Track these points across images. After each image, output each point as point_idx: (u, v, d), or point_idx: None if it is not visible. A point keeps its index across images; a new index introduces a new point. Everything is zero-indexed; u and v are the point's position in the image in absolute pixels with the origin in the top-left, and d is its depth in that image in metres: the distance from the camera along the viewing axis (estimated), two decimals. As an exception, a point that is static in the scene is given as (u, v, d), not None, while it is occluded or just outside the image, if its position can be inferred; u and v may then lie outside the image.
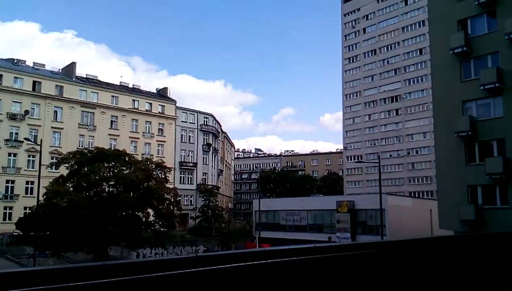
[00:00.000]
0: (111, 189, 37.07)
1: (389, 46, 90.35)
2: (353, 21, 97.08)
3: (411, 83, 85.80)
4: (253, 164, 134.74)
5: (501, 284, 10.67)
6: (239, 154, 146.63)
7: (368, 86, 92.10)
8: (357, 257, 7.26)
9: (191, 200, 71.98)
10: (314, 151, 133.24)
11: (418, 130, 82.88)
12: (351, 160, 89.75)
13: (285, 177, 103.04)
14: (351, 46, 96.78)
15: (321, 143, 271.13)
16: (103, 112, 65.12)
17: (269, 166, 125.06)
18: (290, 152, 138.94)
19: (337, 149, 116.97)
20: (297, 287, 5.97)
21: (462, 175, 27.92)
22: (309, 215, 51.53)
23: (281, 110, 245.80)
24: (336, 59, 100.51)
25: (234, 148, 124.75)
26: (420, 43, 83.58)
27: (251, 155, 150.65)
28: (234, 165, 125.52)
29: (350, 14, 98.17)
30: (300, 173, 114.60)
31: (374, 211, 42.44)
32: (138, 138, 68.48)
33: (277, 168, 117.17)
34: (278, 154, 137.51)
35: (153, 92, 77.80)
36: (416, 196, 75.71)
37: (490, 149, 27.39)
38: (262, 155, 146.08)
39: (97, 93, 65.57)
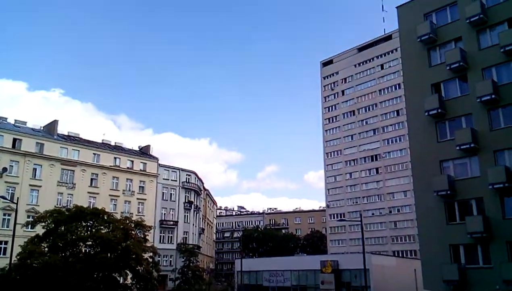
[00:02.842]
0: (87, 249, 35.89)
1: (367, 108, 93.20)
2: (332, 84, 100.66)
3: (390, 143, 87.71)
4: (235, 222, 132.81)
5: None
6: (222, 212, 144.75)
7: (348, 145, 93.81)
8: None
9: (170, 260, 69.74)
10: (297, 208, 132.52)
11: (398, 189, 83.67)
12: (334, 217, 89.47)
13: (268, 235, 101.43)
14: (330, 107, 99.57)
15: (305, 201, 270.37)
16: (83, 169, 64.28)
17: (252, 223, 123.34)
18: (273, 210, 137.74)
19: (321, 207, 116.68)
20: None
21: (444, 234, 28.02)
22: (292, 276, 50.37)
23: (266, 167, 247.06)
24: (318, 118, 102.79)
25: (217, 205, 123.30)
26: (397, 104, 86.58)
27: (234, 213, 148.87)
28: (216, 223, 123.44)
29: (329, 77, 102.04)
30: (283, 231, 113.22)
31: (358, 271, 41.72)
32: (118, 196, 67.26)
33: (260, 226, 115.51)
34: (261, 211, 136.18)
35: (135, 150, 77.53)
36: (400, 255, 75.10)
37: (469, 207, 27.73)
38: (245, 213, 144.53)
39: (78, 151, 64.97)
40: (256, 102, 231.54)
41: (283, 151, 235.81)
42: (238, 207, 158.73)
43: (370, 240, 79.07)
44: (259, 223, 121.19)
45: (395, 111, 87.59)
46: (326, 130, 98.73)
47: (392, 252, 76.11)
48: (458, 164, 28.78)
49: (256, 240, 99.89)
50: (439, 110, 29.15)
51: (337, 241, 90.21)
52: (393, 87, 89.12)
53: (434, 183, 28.49)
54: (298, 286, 49.61)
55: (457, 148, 27.82)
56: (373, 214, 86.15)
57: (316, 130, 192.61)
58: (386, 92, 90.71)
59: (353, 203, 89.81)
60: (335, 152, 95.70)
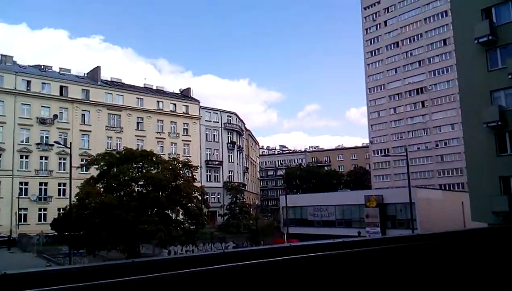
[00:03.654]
0: (140, 189, 37.78)
1: (411, 38, 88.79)
2: (374, 14, 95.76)
3: (436, 75, 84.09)
4: (278, 161, 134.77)
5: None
6: (264, 151, 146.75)
7: (391, 79, 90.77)
8: (386, 251, 7.22)
9: (218, 198, 72.62)
10: (339, 145, 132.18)
11: (445, 122, 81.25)
12: (377, 154, 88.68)
13: (310, 172, 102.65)
14: (372, 40, 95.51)
15: (347, 138, 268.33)
16: (129, 114, 66.34)
17: (294, 162, 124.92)
18: (315, 148, 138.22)
19: (364, 143, 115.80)
20: (327, 281, 6.01)
21: (493, 166, 27.27)
22: (337, 210, 51.29)
23: (306, 107, 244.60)
24: (360, 53, 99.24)
25: (259, 145, 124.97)
26: (444, 33, 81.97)
27: (276, 152, 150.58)
28: (260, 162, 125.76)
29: (370, 7, 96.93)
30: (326, 168, 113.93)
31: (403, 205, 41.94)
32: (164, 138, 69.48)
33: (303, 164, 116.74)
34: (303, 150, 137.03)
35: (176, 93, 78.71)
36: (447, 188, 74.35)
37: (521, 138, 26.65)
38: (287, 152, 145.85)
39: (122, 95, 66.79)
40: (294, 40, 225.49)
41: (323, 89, 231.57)
42: (280, 146, 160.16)
43: (415, 175, 78.24)
44: (302, 161, 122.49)
45: (442, 41, 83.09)
46: (368, 64, 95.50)
47: (438, 186, 75.38)
48: (510, 94, 27.39)
49: (299, 177, 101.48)
50: (490, 37, 27.32)
51: (381, 176, 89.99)
52: (439, 15, 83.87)
53: (483, 114, 27.38)
54: (342, 219, 50.62)
55: (509, 76, 26.30)
56: (418, 148, 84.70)
57: (358, 65, 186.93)
58: (431, 21, 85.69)
59: (398, 138, 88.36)
60: (378, 87, 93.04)
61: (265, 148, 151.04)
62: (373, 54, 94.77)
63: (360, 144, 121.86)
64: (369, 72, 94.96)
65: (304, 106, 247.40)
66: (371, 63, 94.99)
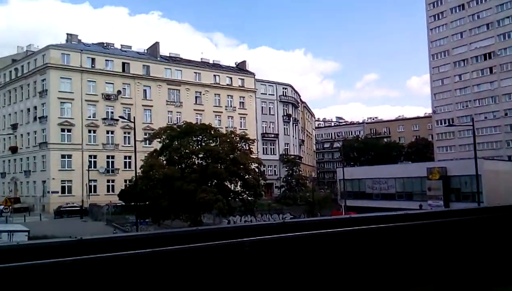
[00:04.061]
0: (200, 161, 38.95)
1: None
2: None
3: (506, 38, 78.10)
4: (335, 133, 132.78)
5: None
6: (320, 123, 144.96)
7: (456, 44, 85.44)
8: (450, 224, 6.99)
9: (275, 170, 73.18)
10: (400, 116, 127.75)
11: (516, 89, 75.80)
12: (441, 124, 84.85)
13: (369, 144, 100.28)
14: (436, 3, 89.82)
15: (408, 108, 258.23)
16: (187, 88, 67.83)
17: (351, 134, 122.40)
18: (374, 119, 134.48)
19: (426, 113, 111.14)
20: (388, 254, 5.94)
21: None
22: (397, 183, 50.06)
23: (364, 76, 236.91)
24: (421, 17, 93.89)
25: (315, 117, 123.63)
26: (517, -7, 75.49)
27: (333, 124, 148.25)
28: (316, 135, 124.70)
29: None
30: (385, 140, 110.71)
31: (469, 177, 40.27)
32: (221, 112, 70.56)
33: (360, 136, 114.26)
34: (360, 121, 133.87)
35: (232, 67, 79.16)
36: (516, 160, 70.07)
37: None
38: (344, 123, 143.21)
39: (181, 70, 68.26)
40: (351, 6, 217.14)
41: (382, 57, 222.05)
42: (337, 117, 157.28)
43: (482, 145, 74.11)
44: (359, 133, 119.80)
45: (513, 1, 76.77)
46: (431, 29, 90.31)
47: (507, 157, 71.27)
48: None
49: (356, 150, 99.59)
50: None
51: (444, 147, 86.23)
52: (512, -28, 77.21)
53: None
54: (403, 192, 49.38)
55: None
56: (485, 117, 79.93)
57: (420, 30, 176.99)
58: (502, -21, 79.15)
59: (463, 107, 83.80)
60: (442, 53, 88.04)
61: (321, 120, 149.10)
62: (437, 18, 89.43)
63: (422, 115, 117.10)
64: (432, 38, 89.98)
65: (362, 76, 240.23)
66: (435, 28, 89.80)
